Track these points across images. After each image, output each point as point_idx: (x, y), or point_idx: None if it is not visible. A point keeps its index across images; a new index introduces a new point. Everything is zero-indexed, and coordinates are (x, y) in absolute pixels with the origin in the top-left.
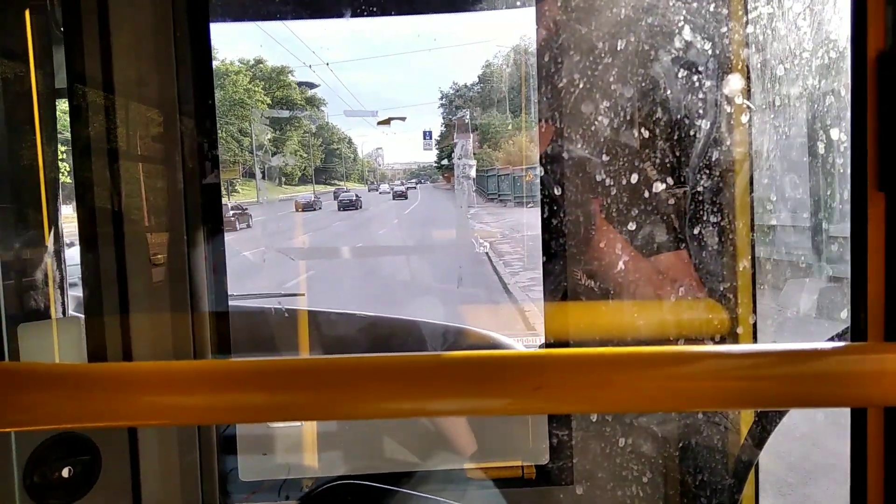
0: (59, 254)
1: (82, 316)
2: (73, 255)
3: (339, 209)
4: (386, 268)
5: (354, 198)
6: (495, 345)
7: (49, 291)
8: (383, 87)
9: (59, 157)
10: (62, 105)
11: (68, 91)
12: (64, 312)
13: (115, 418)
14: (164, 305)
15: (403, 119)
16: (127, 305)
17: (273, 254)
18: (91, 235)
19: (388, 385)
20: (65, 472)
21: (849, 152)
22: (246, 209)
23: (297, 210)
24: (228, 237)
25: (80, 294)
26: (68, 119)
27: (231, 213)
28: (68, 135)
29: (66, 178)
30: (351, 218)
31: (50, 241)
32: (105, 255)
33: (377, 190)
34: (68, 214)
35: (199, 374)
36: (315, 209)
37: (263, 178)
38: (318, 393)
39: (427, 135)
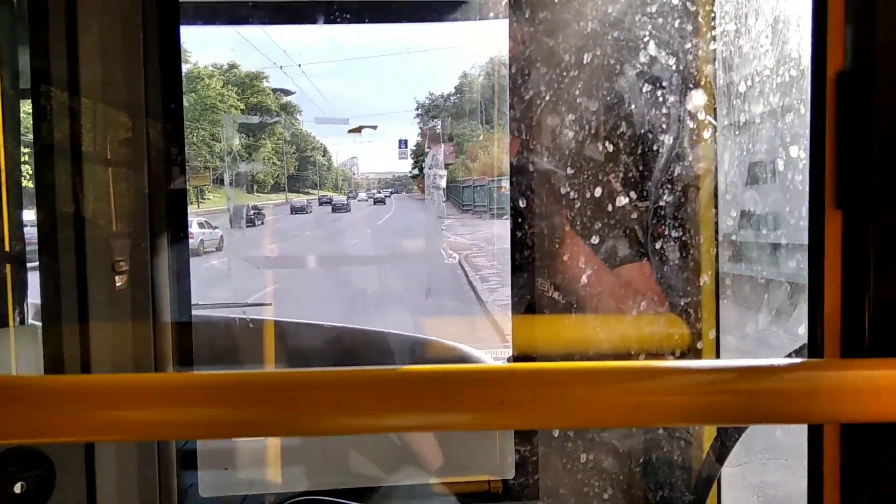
0: (19, 259)
1: (38, 324)
2: (34, 261)
3: (332, 211)
4: (355, 278)
5: (346, 202)
6: (463, 357)
7: (7, 299)
8: (359, 95)
9: (22, 160)
10: (26, 107)
11: (32, 92)
12: (22, 321)
13: (72, 434)
14: (125, 314)
15: (374, 128)
16: (87, 314)
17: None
18: (51, 241)
19: (350, 400)
20: (17, 489)
21: (807, 170)
22: (262, 209)
23: (291, 213)
24: (254, 232)
25: (38, 302)
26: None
27: (252, 212)
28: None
29: (27, 183)
30: (341, 220)
31: (10, 247)
32: (65, 261)
33: (356, 198)
34: (30, 219)
35: (158, 387)
36: (307, 212)
37: (232, 185)
38: (280, 408)
39: (402, 144)
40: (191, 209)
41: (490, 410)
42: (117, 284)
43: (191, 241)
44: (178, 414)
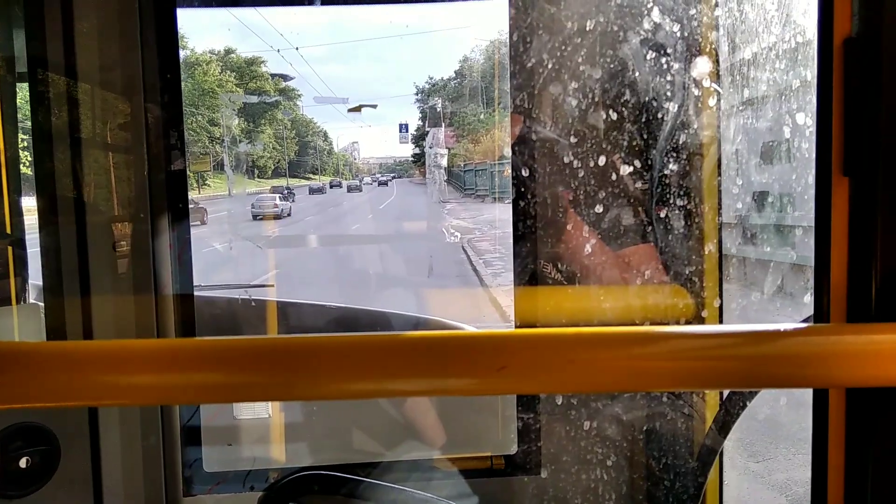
0: (20, 242)
1: (42, 304)
2: (34, 243)
3: (347, 191)
4: (358, 260)
5: (358, 183)
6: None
7: (9, 280)
8: (358, 79)
9: (21, 145)
10: (23, 91)
11: (29, 77)
12: (24, 300)
13: (74, 398)
14: (128, 293)
15: (374, 106)
16: (88, 294)
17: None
18: (52, 223)
19: (352, 365)
20: (22, 464)
21: (814, 137)
22: (293, 190)
23: (309, 193)
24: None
25: (41, 282)
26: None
27: (285, 191)
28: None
29: (26, 170)
30: (354, 199)
31: (10, 229)
32: (66, 242)
33: (362, 181)
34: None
35: (159, 352)
36: (323, 193)
37: (234, 170)
38: (280, 372)
39: (403, 128)
40: (192, 194)
41: (491, 375)
42: (119, 267)
43: (276, 209)
44: (179, 378)
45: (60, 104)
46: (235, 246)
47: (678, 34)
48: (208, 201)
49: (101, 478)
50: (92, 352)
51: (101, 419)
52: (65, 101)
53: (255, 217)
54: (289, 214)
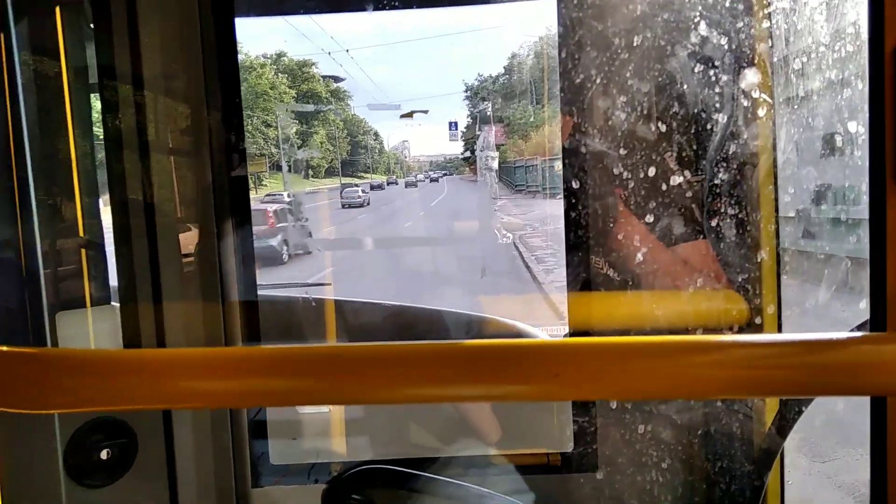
0: (96, 245)
1: (117, 305)
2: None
3: (405, 186)
4: (418, 255)
5: (413, 180)
6: (518, 333)
7: (87, 282)
8: (408, 80)
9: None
10: (95, 101)
11: (99, 87)
12: (102, 302)
13: (150, 401)
14: (196, 295)
15: (426, 112)
16: (160, 295)
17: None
18: (124, 227)
19: (411, 371)
20: (103, 455)
21: (867, 144)
22: (366, 190)
23: (370, 189)
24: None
25: (115, 284)
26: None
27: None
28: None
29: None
30: (411, 194)
31: (87, 233)
32: (138, 246)
33: (416, 178)
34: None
35: (229, 359)
36: (383, 189)
37: (290, 171)
38: (344, 379)
39: (453, 126)
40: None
41: (545, 382)
42: (186, 268)
43: (359, 199)
44: (247, 384)
45: (128, 112)
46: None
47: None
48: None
49: (176, 470)
50: (167, 359)
51: (175, 416)
52: (133, 109)
53: (343, 206)
54: (368, 204)
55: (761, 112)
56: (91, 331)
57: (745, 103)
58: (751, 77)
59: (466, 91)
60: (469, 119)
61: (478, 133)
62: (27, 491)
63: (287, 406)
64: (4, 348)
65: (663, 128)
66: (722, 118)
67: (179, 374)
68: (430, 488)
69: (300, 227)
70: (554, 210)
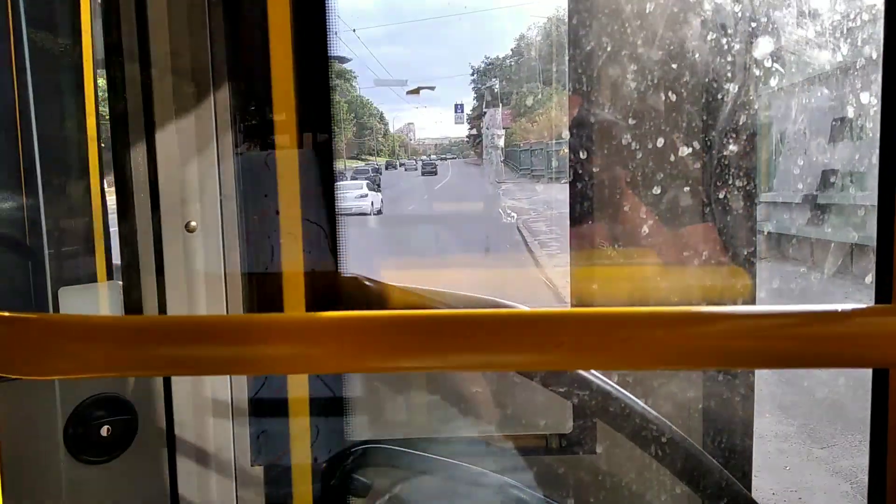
0: (102, 221)
1: (120, 282)
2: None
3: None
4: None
5: (433, 163)
6: None
7: (91, 258)
8: (415, 60)
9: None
10: (102, 78)
11: (106, 63)
12: (105, 277)
13: (150, 368)
14: (199, 271)
15: (433, 88)
16: (163, 271)
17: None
18: (129, 204)
19: (412, 341)
20: (103, 432)
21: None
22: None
23: (386, 168)
24: None
25: (118, 260)
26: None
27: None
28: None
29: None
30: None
31: (92, 211)
32: (142, 222)
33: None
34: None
35: (229, 327)
36: (396, 168)
37: None
38: (344, 349)
39: (458, 108)
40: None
41: (548, 351)
42: (190, 243)
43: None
44: (247, 352)
45: (133, 89)
46: None
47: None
48: None
49: (175, 447)
50: (167, 325)
51: (176, 393)
52: (138, 85)
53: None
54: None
55: (772, 83)
56: (97, 306)
57: (757, 73)
58: (761, 49)
59: (473, 73)
60: (475, 101)
61: (484, 111)
62: (26, 467)
63: (269, 374)
64: (5, 313)
65: (672, 100)
66: (730, 92)
67: (180, 340)
68: (430, 467)
69: None
70: (558, 195)
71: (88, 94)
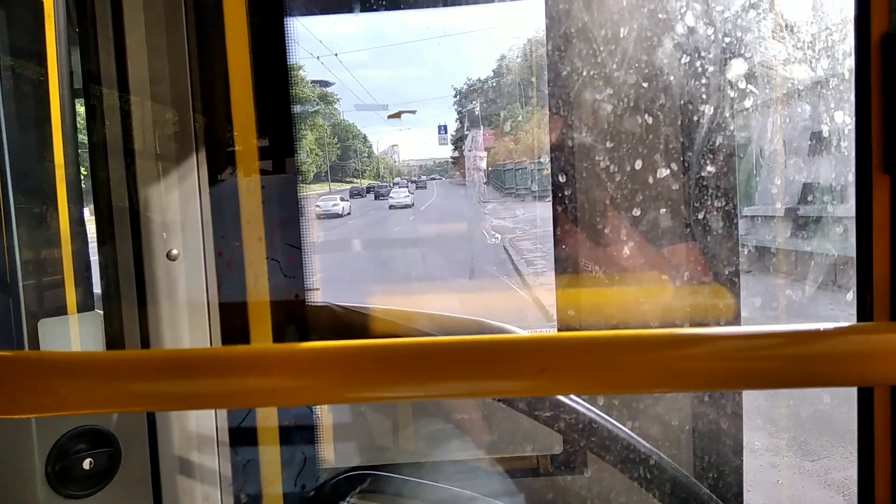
0: (80, 252)
1: (101, 312)
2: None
3: (416, 188)
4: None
5: (424, 182)
6: (507, 334)
7: (69, 288)
8: (397, 83)
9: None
10: (80, 105)
11: (84, 91)
12: (85, 308)
13: (130, 404)
14: (181, 299)
15: (413, 112)
16: (144, 300)
17: None
18: (108, 233)
19: (396, 370)
20: (85, 465)
21: (853, 135)
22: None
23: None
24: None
25: (98, 290)
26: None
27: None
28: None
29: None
30: (422, 194)
31: (71, 240)
32: (122, 251)
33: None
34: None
35: (209, 360)
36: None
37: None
38: (330, 378)
39: (442, 129)
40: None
41: (532, 377)
42: (171, 273)
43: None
44: (229, 385)
45: (113, 116)
46: None
47: (713, 37)
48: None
49: (160, 479)
50: (148, 360)
51: (159, 425)
52: (117, 113)
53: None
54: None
55: (746, 104)
56: (77, 338)
57: (732, 95)
58: (735, 70)
59: (455, 95)
60: (457, 122)
61: (466, 133)
62: (7, 502)
63: (255, 408)
64: None
65: (649, 123)
66: (707, 112)
67: (160, 375)
68: (419, 492)
69: None
70: (543, 213)
71: (63, 122)
